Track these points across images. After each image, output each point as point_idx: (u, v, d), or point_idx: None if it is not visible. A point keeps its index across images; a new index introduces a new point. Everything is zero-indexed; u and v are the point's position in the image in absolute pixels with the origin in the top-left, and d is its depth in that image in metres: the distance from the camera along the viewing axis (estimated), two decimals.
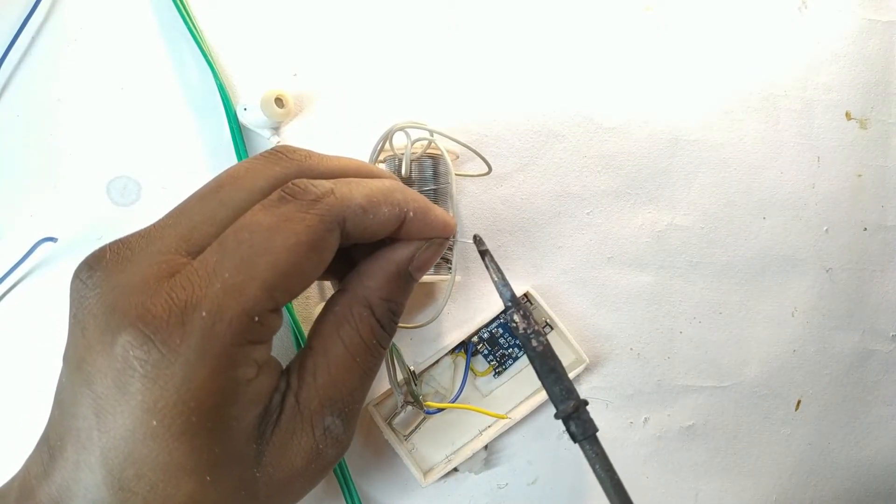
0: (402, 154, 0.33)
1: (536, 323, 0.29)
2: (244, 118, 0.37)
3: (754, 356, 0.40)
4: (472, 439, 0.38)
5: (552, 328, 0.39)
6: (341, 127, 0.39)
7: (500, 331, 0.38)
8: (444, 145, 0.34)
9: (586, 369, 0.38)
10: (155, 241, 0.21)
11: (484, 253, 0.31)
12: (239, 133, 0.38)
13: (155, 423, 0.19)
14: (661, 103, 0.40)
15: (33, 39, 0.38)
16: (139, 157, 0.39)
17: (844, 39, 0.40)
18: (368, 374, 0.26)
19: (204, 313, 0.19)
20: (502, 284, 0.29)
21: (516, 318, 0.29)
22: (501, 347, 0.38)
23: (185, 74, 0.38)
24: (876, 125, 0.41)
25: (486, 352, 0.38)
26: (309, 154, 0.25)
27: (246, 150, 0.38)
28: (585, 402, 0.28)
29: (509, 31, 0.40)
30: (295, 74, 0.39)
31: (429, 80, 0.39)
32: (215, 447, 0.20)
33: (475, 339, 0.38)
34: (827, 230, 0.40)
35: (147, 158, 0.39)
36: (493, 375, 0.39)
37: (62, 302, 0.40)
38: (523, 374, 0.39)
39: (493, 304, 0.38)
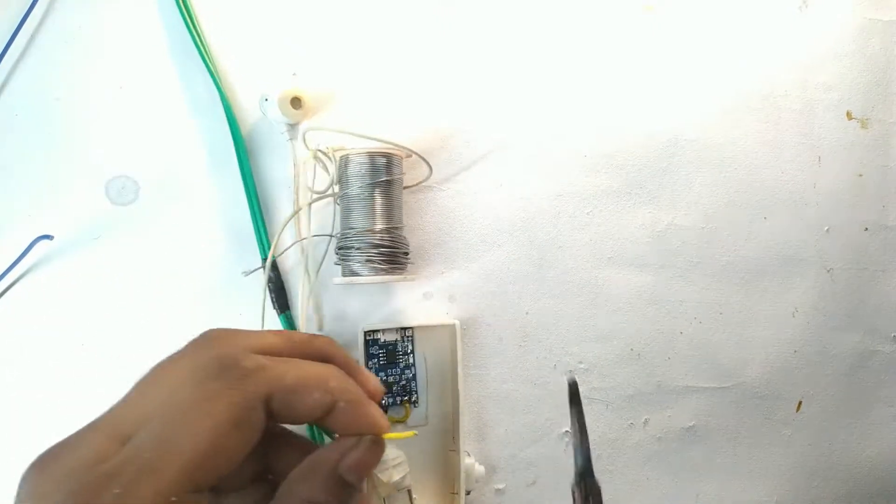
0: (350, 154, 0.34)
1: (600, 492, 0.27)
2: (264, 108, 0.37)
3: (755, 357, 0.40)
4: (452, 464, 0.37)
5: (411, 329, 0.38)
6: (356, 124, 0.39)
7: (379, 356, 0.37)
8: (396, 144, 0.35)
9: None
10: (88, 436, 0.22)
11: (575, 400, 0.28)
12: (238, 132, 0.38)
13: None
14: (661, 103, 0.40)
15: (31, 38, 0.38)
16: (138, 157, 0.38)
17: (845, 39, 0.40)
18: None
19: (116, 490, 0.19)
20: (581, 450, 0.27)
21: (577, 495, 0.27)
22: (397, 375, 0.37)
23: (185, 73, 0.38)
24: (877, 125, 0.40)
25: (388, 399, 0.37)
26: (247, 334, 0.25)
27: (246, 150, 0.38)
28: None
29: (510, 30, 0.40)
30: (294, 74, 0.39)
31: (434, 79, 0.39)
32: None
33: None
34: (828, 230, 0.40)
35: (146, 158, 0.38)
36: (414, 407, 0.38)
37: (59, 299, 0.40)
38: (431, 384, 0.38)
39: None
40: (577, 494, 0.27)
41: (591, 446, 0.40)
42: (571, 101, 0.40)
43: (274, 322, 0.38)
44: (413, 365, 0.38)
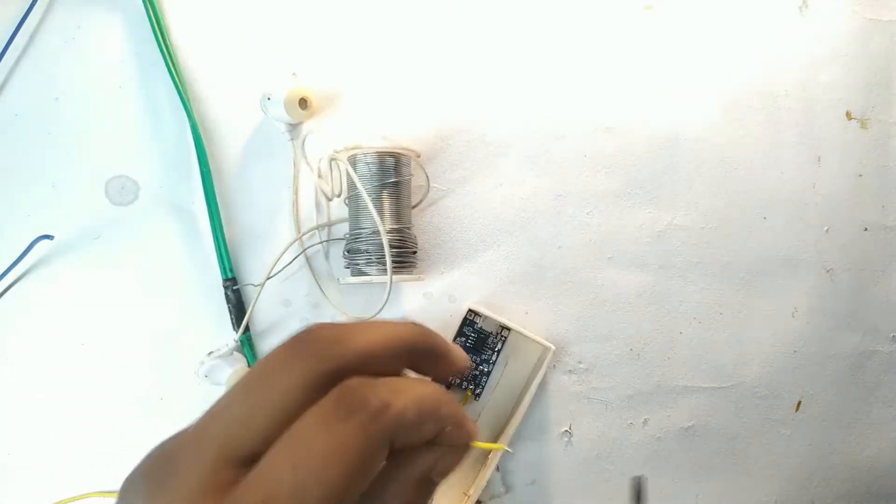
0: (361, 153, 0.35)
1: None
2: (265, 107, 0.37)
3: (755, 357, 0.40)
4: (481, 469, 0.37)
5: (509, 331, 0.38)
6: (356, 125, 0.39)
7: (469, 338, 0.38)
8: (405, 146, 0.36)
9: (555, 355, 0.38)
10: (198, 452, 0.22)
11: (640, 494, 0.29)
12: (200, 141, 0.38)
13: None
14: (661, 103, 0.40)
15: (31, 38, 0.38)
16: (138, 157, 0.38)
17: (845, 39, 0.40)
18: None
19: None
20: None
21: None
22: (475, 363, 0.38)
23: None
24: (876, 125, 0.40)
25: (457, 381, 0.38)
26: (337, 338, 0.24)
27: (206, 155, 0.38)
28: None
29: (510, 30, 0.40)
30: (294, 74, 0.39)
31: (434, 79, 0.39)
32: None
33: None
34: (827, 230, 0.40)
35: (146, 158, 0.38)
36: (475, 399, 0.38)
37: (58, 298, 0.40)
38: (500, 387, 0.38)
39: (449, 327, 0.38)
40: None
41: (591, 445, 0.40)
42: (571, 101, 0.40)
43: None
44: (494, 362, 0.38)
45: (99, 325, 0.40)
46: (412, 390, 0.24)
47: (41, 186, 0.38)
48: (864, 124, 0.41)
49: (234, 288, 0.38)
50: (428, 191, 0.37)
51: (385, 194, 0.35)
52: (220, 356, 0.37)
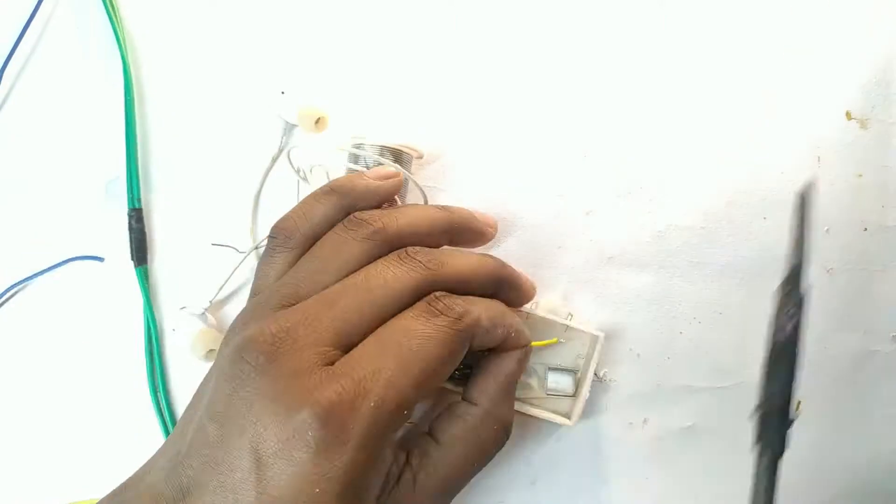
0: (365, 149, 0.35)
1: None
2: (276, 101, 0.38)
3: (755, 357, 0.40)
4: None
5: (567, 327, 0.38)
6: (349, 131, 0.39)
7: None
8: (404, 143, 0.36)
9: (606, 340, 0.37)
10: (314, 332, 0.25)
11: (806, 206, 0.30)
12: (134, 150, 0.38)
13: (318, 490, 0.22)
14: (660, 102, 0.40)
15: (37, 41, 0.38)
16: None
17: (845, 39, 0.40)
18: (475, 475, 0.30)
19: (372, 403, 0.23)
20: (796, 252, 0.30)
21: (780, 295, 0.28)
22: None
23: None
24: (876, 125, 0.40)
25: None
26: (441, 262, 0.29)
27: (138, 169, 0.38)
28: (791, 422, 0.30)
29: (507, 29, 0.40)
30: (283, 92, 0.39)
31: (434, 80, 0.39)
32: None
33: None
34: (827, 230, 0.40)
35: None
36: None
37: (58, 299, 0.40)
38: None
39: None
40: (779, 295, 0.29)
41: (591, 446, 0.40)
42: (571, 101, 0.40)
43: None
44: None
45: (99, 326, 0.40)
46: (484, 303, 0.29)
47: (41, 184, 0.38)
48: (864, 124, 0.41)
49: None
50: (423, 193, 0.37)
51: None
52: (191, 313, 0.38)
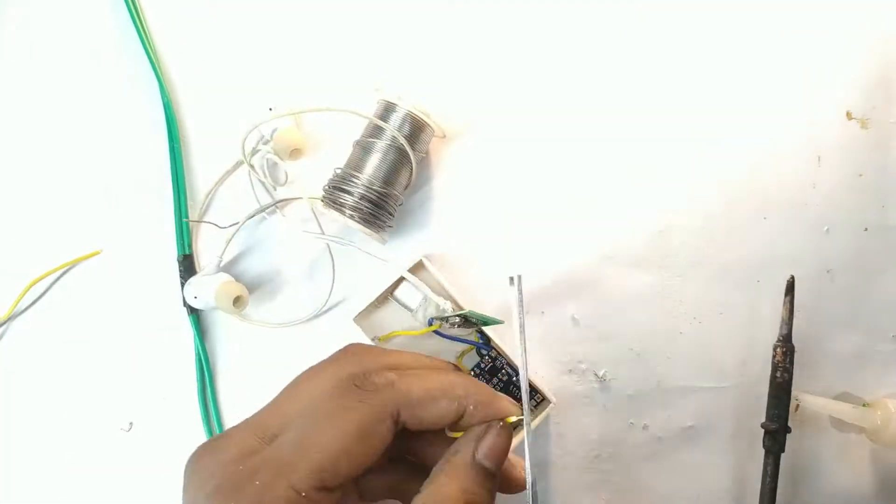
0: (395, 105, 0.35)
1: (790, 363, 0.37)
2: (265, 117, 0.38)
3: (755, 357, 0.40)
4: None
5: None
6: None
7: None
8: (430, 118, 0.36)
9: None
10: (239, 433, 0.26)
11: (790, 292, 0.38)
12: (180, 163, 0.39)
13: None
14: (660, 102, 0.40)
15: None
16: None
17: (846, 38, 0.40)
18: None
19: (257, 482, 0.23)
20: (787, 323, 0.38)
21: (778, 352, 0.38)
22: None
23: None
24: (877, 125, 0.40)
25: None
26: (381, 352, 0.28)
27: (184, 184, 0.38)
28: (788, 430, 0.37)
29: (507, 28, 0.40)
30: (270, 108, 0.39)
31: (434, 81, 0.39)
32: None
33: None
34: (827, 230, 0.40)
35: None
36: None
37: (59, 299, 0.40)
38: None
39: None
40: (777, 351, 0.38)
41: (591, 445, 0.40)
42: (571, 100, 0.40)
43: None
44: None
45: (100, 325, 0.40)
46: (424, 375, 0.27)
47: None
48: (864, 124, 0.40)
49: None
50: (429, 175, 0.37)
51: (391, 152, 0.36)
52: (205, 275, 0.38)
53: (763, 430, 0.37)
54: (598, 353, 0.39)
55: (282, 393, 0.27)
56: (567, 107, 0.40)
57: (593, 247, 0.40)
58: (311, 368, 0.28)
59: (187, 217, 0.39)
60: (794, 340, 0.38)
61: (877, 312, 0.41)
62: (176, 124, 0.39)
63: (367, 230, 0.35)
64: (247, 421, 0.27)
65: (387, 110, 0.36)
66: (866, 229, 0.41)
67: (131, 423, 0.40)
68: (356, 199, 0.35)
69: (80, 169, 0.40)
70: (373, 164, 0.35)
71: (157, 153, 0.39)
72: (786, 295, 0.38)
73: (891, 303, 0.41)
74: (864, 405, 0.40)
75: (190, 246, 0.39)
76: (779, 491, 0.38)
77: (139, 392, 0.40)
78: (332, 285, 0.39)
